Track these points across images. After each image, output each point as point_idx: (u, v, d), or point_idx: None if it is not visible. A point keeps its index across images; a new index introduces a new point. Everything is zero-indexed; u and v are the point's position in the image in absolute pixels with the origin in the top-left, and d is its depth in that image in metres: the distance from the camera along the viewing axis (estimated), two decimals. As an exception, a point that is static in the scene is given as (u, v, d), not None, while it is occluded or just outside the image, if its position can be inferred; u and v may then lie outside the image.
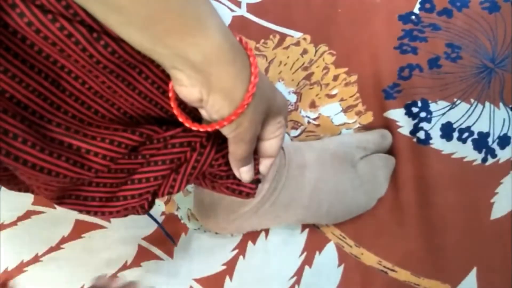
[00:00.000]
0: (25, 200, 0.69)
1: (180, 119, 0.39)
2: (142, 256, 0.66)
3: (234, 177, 0.45)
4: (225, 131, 0.38)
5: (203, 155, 0.43)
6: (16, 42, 0.33)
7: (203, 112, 0.38)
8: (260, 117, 0.38)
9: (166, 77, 0.38)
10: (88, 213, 0.42)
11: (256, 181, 0.47)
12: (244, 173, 0.43)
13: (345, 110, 0.73)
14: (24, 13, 0.31)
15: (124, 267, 0.65)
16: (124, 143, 0.38)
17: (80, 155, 0.37)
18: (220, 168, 0.45)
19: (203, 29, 0.32)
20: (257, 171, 0.46)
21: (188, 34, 0.31)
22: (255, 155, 0.45)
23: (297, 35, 0.76)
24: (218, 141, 0.43)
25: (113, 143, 0.38)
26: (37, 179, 0.37)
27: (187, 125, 0.38)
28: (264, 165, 0.46)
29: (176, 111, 0.39)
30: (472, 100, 0.72)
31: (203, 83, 0.34)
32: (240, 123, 0.37)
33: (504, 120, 0.71)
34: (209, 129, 0.37)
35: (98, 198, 0.42)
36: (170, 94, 0.38)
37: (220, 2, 0.77)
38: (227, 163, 0.44)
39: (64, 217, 0.68)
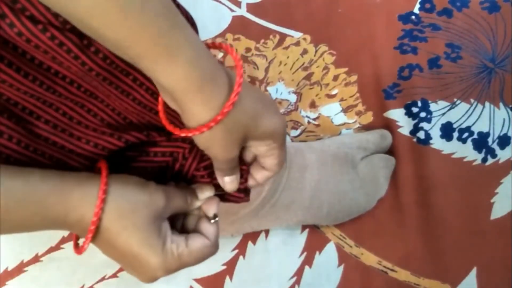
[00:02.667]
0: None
1: (166, 126, 0.39)
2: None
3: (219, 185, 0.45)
4: (200, 146, 0.38)
5: (185, 166, 0.43)
6: (9, 51, 0.33)
7: None
8: (233, 142, 0.38)
9: None
10: None
11: (244, 190, 0.46)
12: (227, 183, 0.43)
13: (345, 110, 0.73)
14: (14, 23, 0.32)
15: (124, 267, 0.65)
16: (108, 148, 0.39)
17: (64, 154, 0.38)
18: (203, 179, 0.45)
19: (172, 60, 0.32)
20: (244, 181, 0.45)
21: (158, 62, 0.32)
22: (243, 166, 0.44)
23: (297, 35, 0.76)
24: (202, 152, 0.43)
25: (97, 146, 0.38)
26: None
27: (175, 133, 0.39)
28: (261, 175, 0.45)
29: (162, 117, 0.39)
30: (472, 100, 0.72)
31: (174, 101, 0.35)
32: (208, 145, 0.37)
33: (504, 120, 0.71)
34: (182, 135, 0.37)
35: None
36: (159, 107, 0.39)
37: (220, 2, 0.77)
38: (211, 174, 0.44)
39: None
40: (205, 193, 0.44)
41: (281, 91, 0.73)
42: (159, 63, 0.32)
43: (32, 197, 0.33)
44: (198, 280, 0.65)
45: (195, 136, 0.36)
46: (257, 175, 0.45)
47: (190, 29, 0.34)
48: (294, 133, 0.72)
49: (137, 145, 0.41)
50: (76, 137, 0.38)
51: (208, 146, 0.38)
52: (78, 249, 0.38)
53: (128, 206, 0.37)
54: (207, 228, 0.42)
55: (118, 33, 0.30)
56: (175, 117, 0.41)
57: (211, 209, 0.44)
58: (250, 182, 0.45)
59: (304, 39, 0.76)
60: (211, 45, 0.38)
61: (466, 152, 0.70)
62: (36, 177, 0.34)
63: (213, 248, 0.42)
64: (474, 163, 0.69)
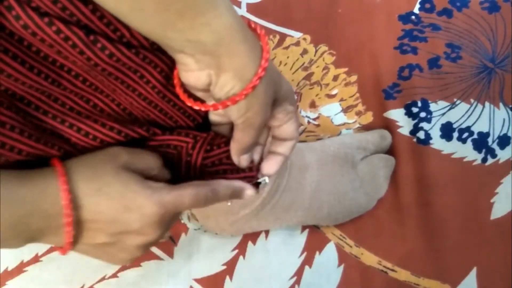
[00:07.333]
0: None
1: (189, 103, 0.38)
2: (142, 256, 0.66)
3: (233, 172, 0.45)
4: (235, 114, 0.37)
5: (191, 163, 0.43)
6: (14, 43, 0.33)
7: (210, 101, 0.38)
8: (269, 101, 0.38)
9: (167, 83, 0.38)
10: None
11: (257, 183, 0.46)
12: (243, 160, 0.43)
13: (345, 110, 0.73)
14: (20, 15, 0.31)
15: (124, 267, 0.65)
16: (113, 144, 0.39)
17: (70, 145, 0.38)
18: (220, 175, 0.44)
19: (215, 9, 0.32)
20: (257, 167, 0.45)
21: (200, 14, 0.31)
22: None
23: (297, 35, 0.76)
24: (206, 147, 0.43)
25: (103, 143, 0.38)
26: None
27: (195, 107, 0.38)
28: (286, 147, 0.44)
29: (182, 96, 0.38)
30: (472, 100, 0.72)
31: (212, 66, 0.34)
32: (250, 105, 0.36)
33: (504, 120, 0.71)
34: (220, 107, 0.36)
35: None
36: (175, 81, 0.38)
37: (220, 2, 0.77)
38: (225, 171, 0.44)
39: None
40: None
41: (281, 91, 0.73)
42: (202, 15, 0.31)
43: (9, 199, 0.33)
44: (198, 280, 0.65)
45: (237, 101, 0.35)
46: (281, 149, 0.44)
47: None
48: (294, 133, 0.72)
49: (138, 140, 0.41)
50: (84, 133, 0.38)
51: (249, 108, 0.36)
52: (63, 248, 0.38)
53: (91, 170, 0.36)
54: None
55: None
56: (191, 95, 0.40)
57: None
58: (278, 160, 0.45)
59: (304, 39, 0.76)
60: None
61: (466, 152, 0.70)
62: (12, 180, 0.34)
63: (208, 190, 0.41)
64: (474, 163, 0.69)
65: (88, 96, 0.38)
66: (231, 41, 0.33)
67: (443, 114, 0.72)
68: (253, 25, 0.37)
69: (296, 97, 0.73)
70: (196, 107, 0.38)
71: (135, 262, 0.66)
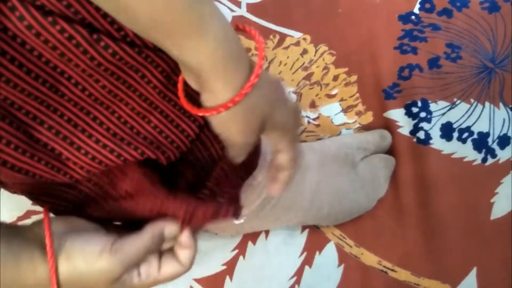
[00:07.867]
0: (25, 200, 0.68)
1: (187, 108, 0.39)
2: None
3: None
4: (219, 127, 0.38)
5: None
6: (15, 46, 0.33)
7: None
8: (250, 129, 0.38)
9: (168, 83, 0.38)
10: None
11: (235, 209, 0.46)
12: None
13: (345, 110, 0.73)
14: (24, 16, 0.31)
15: (124, 267, 0.65)
16: (105, 162, 0.39)
17: (60, 161, 0.38)
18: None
19: (202, 34, 0.32)
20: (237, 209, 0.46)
21: (188, 38, 0.32)
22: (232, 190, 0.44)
23: (297, 35, 0.76)
24: (187, 219, 0.43)
25: (95, 160, 0.38)
26: (14, 178, 0.37)
27: (194, 112, 0.38)
28: (282, 175, 0.44)
29: (182, 100, 0.39)
30: (472, 100, 0.72)
31: (197, 82, 0.35)
32: (225, 128, 0.37)
33: (504, 120, 0.71)
34: (200, 114, 0.37)
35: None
36: (179, 86, 0.39)
37: (220, 2, 0.77)
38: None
39: (64, 217, 0.67)
40: (171, 231, 0.42)
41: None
42: (190, 39, 0.32)
43: None
44: (198, 280, 0.65)
45: (212, 117, 0.36)
46: (279, 175, 0.44)
47: (216, 5, 0.33)
48: (294, 133, 0.72)
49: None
50: (76, 147, 0.37)
51: (225, 129, 0.37)
52: None
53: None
54: (183, 253, 0.42)
55: (151, 6, 0.30)
56: (195, 99, 0.40)
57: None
58: (276, 187, 0.45)
59: (304, 39, 0.76)
60: (234, 27, 0.38)
61: (466, 152, 0.70)
62: None
63: (185, 270, 0.42)
64: (474, 163, 0.69)
65: (88, 108, 0.37)
66: (213, 68, 0.33)
67: (443, 114, 0.72)
68: (257, 40, 0.37)
69: (296, 97, 0.73)
70: (200, 114, 0.38)
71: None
